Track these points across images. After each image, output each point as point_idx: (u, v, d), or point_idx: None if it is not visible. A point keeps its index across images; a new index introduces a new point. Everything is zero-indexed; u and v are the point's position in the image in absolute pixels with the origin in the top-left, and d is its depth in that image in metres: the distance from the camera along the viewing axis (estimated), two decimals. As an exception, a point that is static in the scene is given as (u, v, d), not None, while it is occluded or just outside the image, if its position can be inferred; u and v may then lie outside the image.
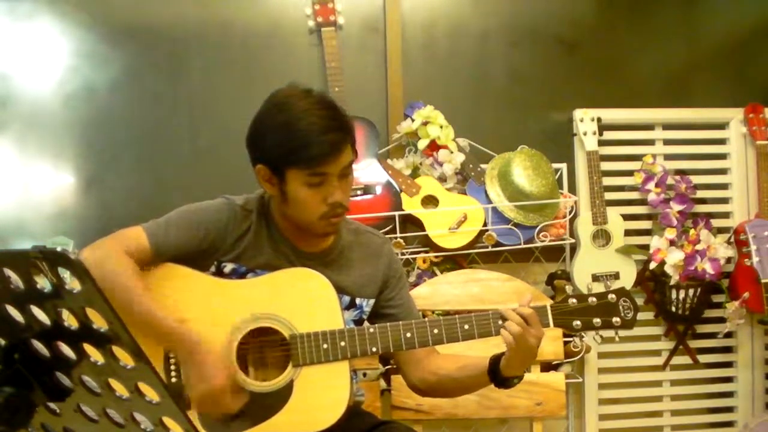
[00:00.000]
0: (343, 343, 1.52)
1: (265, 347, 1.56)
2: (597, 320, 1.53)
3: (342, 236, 1.68)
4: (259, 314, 1.54)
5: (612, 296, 1.55)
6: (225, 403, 1.45)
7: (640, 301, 2.63)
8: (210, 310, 1.51)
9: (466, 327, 1.54)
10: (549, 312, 1.53)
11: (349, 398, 1.52)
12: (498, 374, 1.54)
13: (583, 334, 2.40)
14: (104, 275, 1.43)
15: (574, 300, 1.54)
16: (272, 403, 1.51)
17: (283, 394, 1.51)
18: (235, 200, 1.64)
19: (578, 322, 1.53)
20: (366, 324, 1.69)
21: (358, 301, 1.67)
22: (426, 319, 1.59)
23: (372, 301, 1.70)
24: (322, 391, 1.52)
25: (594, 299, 1.54)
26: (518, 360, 1.49)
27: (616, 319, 1.54)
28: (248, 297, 1.55)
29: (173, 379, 1.52)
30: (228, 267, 1.60)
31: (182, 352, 1.47)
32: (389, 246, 1.76)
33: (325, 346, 1.52)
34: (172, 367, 1.52)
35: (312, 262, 1.62)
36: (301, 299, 1.55)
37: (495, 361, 1.55)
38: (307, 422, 1.49)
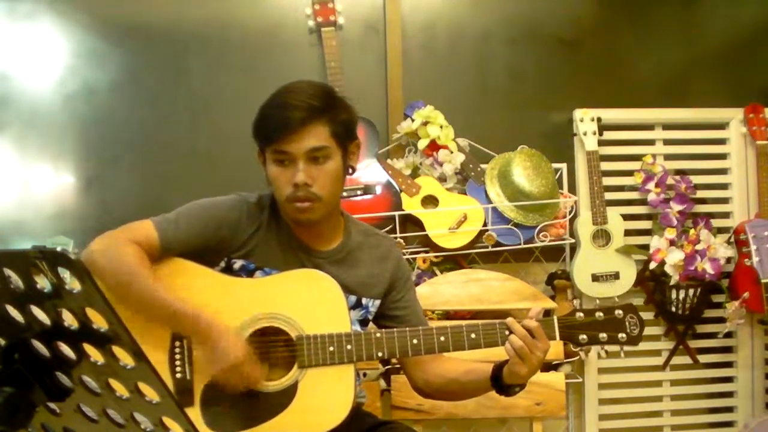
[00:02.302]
0: (349, 347, 1.52)
1: (271, 347, 1.56)
2: (603, 335, 1.53)
3: (352, 236, 1.69)
4: (267, 314, 1.54)
5: (619, 312, 1.54)
6: (249, 374, 1.46)
7: (640, 301, 2.63)
8: (217, 307, 1.51)
9: (473, 336, 1.55)
10: (555, 325, 1.53)
11: (353, 401, 1.52)
12: (500, 381, 1.54)
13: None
14: (111, 261, 1.44)
15: (581, 314, 1.54)
16: (276, 403, 1.51)
17: (288, 395, 1.51)
18: (247, 197, 1.64)
19: (584, 336, 1.53)
20: (373, 327, 1.69)
21: (364, 301, 1.67)
22: (433, 326, 1.59)
23: (378, 302, 1.69)
24: (326, 393, 1.52)
25: (601, 314, 1.54)
26: (522, 370, 1.49)
27: (622, 335, 1.53)
28: (256, 296, 1.55)
29: (178, 375, 1.52)
30: (237, 263, 1.60)
31: (198, 333, 1.47)
32: (397, 249, 1.77)
33: (331, 348, 1.52)
34: (177, 363, 1.52)
35: (321, 260, 1.63)
36: (309, 300, 1.55)
37: (498, 368, 1.55)
38: (310, 424, 1.49)
